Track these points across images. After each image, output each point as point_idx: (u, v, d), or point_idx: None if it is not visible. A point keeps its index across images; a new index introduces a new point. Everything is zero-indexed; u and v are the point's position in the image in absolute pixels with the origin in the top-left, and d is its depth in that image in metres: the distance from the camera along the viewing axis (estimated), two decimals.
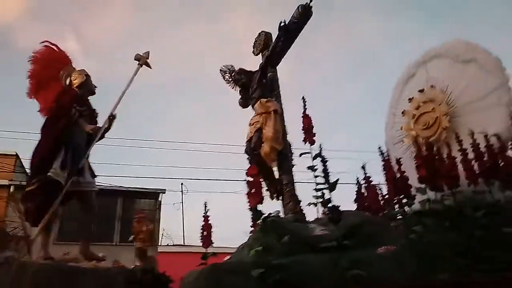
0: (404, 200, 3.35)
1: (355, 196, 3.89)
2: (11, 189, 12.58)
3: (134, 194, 13.93)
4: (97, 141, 3.41)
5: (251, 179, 2.62)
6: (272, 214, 3.20)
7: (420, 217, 2.96)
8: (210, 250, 2.70)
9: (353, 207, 3.90)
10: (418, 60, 4.67)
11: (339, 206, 2.63)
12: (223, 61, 4.10)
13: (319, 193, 2.70)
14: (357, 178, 3.83)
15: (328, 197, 2.63)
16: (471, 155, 3.27)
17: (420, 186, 3.04)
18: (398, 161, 3.58)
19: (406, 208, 3.22)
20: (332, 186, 2.61)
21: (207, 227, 3.28)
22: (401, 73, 4.96)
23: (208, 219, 3.67)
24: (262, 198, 2.59)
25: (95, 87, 3.66)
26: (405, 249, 2.65)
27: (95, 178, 3.47)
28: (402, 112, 4.59)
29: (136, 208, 13.13)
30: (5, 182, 12.41)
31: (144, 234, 3.60)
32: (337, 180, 2.61)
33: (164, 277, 2.63)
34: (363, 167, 3.59)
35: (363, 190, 3.74)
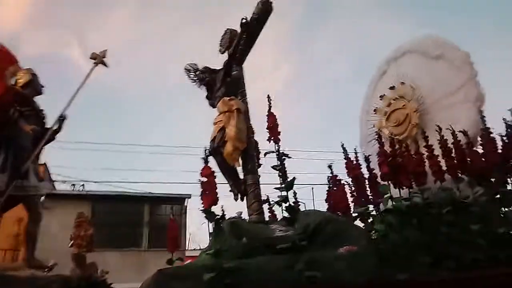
0: (371, 199, 3.31)
1: (326, 195, 3.84)
2: (42, 197, 12.54)
3: (161, 200, 14.08)
4: (45, 143, 3.28)
5: (204, 179, 2.53)
6: (234, 216, 3.12)
7: (383, 216, 2.90)
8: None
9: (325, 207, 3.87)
10: (390, 57, 4.62)
11: (296, 206, 2.54)
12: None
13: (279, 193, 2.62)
14: (327, 178, 3.78)
15: (285, 196, 2.54)
16: (439, 152, 3.22)
17: (383, 184, 2.97)
18: (367, 159, 3.53)
19: (372, 207, 3.16)
20: (288, 186, 2.52)
21: (173, 230, 3.19)
22: (375, 70, 4.91)
23: (174, 221, 3.57)
24: (217, 200, 2.50)
25: (42, 86, 3.53)
26: (366, 249, 2.58)
27: (42, 182, 3.33)
28: (374, 110, 4.53)
29: (163, 214, 13.59)
30: None
31: (82, 239, 3.45)
32: (294, 179, 2.53)
33: (103, 285, 2.51)
34: (329, 167, 3.51)
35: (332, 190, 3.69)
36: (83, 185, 15.03)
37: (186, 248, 13.54)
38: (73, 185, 15.10)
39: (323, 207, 3.83)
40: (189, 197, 14.02)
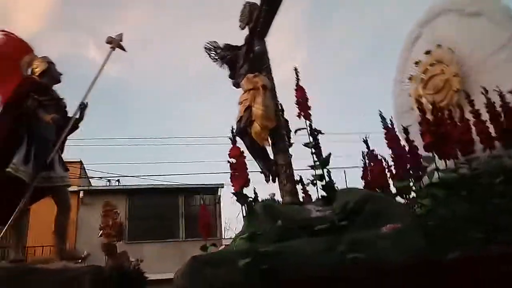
0: (413, 172, 3.08)
1: (362, 172, 3.63)
2: (81, 194, 13.43)
3: (194, 191, 14.40)
4: (69, 133, 3.21)
5: (233, 160, 2.38)
6: (267, 198, 2.97)
7: (429, 190, 2.68)
8: None
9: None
10: (423, 19, 4.28)
11: (333, 184, 2.36)
12: None
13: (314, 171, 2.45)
14: (362, 153, 3.57)
15: (321, 174, 2.36)
16: (486, 117, 2.95)
17: (427, 155, 2.73)
18: (405, 130, 3.28)
19: (415, 181, 2.94)
20: (324, 162, 2.33)
21: (204, 217, 3.09)
22: (406, 36, 4.58)
23: (205, 209, 3.48)
24: (248, 181, 2.35)
25: (61, 74, 3.44)
26: (412, 226, 2.39)
27: (68, 172, 3.27)
28: (409, 78, 4.23)
29: (198, 204, 13.92)
30: (75, 188, 12.99)
31: (111, 228, 3.39)
32: (329, 154, 2.34)
33: (136, 273, 2.43)
34: (365, 141, 3.29)
35: (368, 165, 3.48)
36: (118, 180, 15.47)
37: (222, 237, 13.74)
38: (109, 180, 15.57)
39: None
40: (222, 187, 14.27)
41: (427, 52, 3.99)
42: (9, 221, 2.71)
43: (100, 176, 15.77)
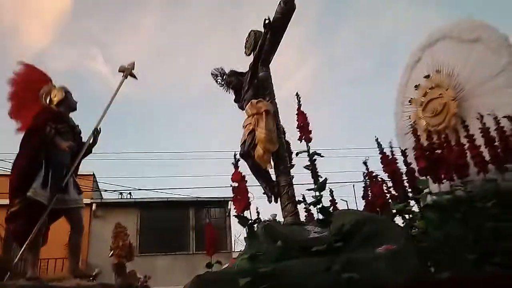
0: (410, 194, 3.18)
1: (362, 192, 3.75)
2: (93, 207, 13.74)
3: (204, 204, 14.70)
4: (83, 157, 3.41)
5: (235, 184, 2.54)
6: (268, 218, 3.10)
7: (422, 212, 2.78)
8: None
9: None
10: (423, 44, 4.42)
11: (329, 207, 2.48)
12: None
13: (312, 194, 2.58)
14: (363, 174, 3.69)
15: (318, 197, 2.49)
16: (481, 141, 3.05)
17: (421, 179, 2.85)
18: (403, 153, 3.40)
19: (411, 203, 3.04)
20: (320, 187, 2.47)
21: (210, 235, 3.22)
22: (407, 59, 4.72)
23: (211, 226, 3.61)
24: (248, 204, 2.49)
25: (76, 102, 3.67)
26: (406, 247, 2.48)
27: (81, 195, 3.47)
28: (409, 101, 4.36)
29: (207, 217, 14.28)
30: (88, 201, 13.26)
31: (121, 249, 3.55)
32: (325, 179, 2.48)
33: None
34: (364, 163, 3.42)
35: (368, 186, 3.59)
36: (130, 193, 15.67)
37: (232, 250, 13.77)
38: (121, 193, 15.78)
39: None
40: (232, 200, 14.34)
41: (427, 76, 4.12)
42: (27, 241, 2.91)
43: (114, 190, 15.98)
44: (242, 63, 3.86)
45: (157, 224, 14.10)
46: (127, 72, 3.72)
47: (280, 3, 3.35)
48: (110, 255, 3.71)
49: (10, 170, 3.37)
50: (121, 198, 15.63)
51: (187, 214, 14.49)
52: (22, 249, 2.96)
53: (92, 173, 14.84)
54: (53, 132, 3.28)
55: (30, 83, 3.60)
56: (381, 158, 3.14)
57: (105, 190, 16.29)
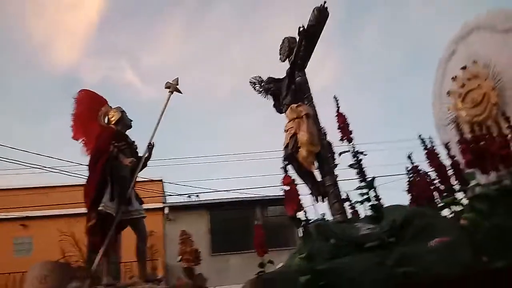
0: (457, 187, 3.20)
1: (407, 187, 3.78)
2: (166, 210, 14.29)
3: (270, 202, 14.93)
4: (140, 171, 3.66)
5: (287, 188, 2.66)
6: (317, 218, 3.21)
7: (472, 203, 2.80)
8: None
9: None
10: (457, 36, 4.39)
11: (379, 203, 2.57)
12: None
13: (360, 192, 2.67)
14: (407, 168, 3.72)
15: (367, 196, 2.58)
16: None
17: (468, 171, 2.87)
18: (446, 145, 3.41)
19: (459, 195, 3.06)
20: (369, 185, 2.56)
21: (258, 236, 3.36)
22: (442, 51, 4.70)
23: (259, 227, 3.75)
24: (300, 206, 2.61)
25: (131, 121, 3.93)
26: (458, 239, 2.53)
27: (142, 205, 3.72)
28: (448, 92, 4.34)
29: (273, 215, 14.47)
30: (159, 205, 14.00)
31: (189, 254, 3.76)
32: (373, 178, 2.57)
33: None
34: (409, 157, 3.46)
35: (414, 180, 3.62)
36: (197, 195, 15.88)
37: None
38: (189, 196, 16.00)
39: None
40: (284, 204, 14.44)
41: (463, 68, 4.10)
42: (101, 249, 3.19)
43: (183, 193, 16.15)
44: (268, 67, 4.00)
45: (227, 224, 14.50)
46: (173, 88, 3.95)
47: (314, 11, 3.47)
48: (178, 260, 3.94)
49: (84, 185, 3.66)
50: (191, 200, 15.82)
51: (253, 213, 14.76)
52: (98, 258, 3.23)
53: (160, 179, 15.20)
54: (117, 151, 3.56)
55: (90, 106, 3.90)
56: (426, 154, 3.17)
57: (174, 194, 16.26)
